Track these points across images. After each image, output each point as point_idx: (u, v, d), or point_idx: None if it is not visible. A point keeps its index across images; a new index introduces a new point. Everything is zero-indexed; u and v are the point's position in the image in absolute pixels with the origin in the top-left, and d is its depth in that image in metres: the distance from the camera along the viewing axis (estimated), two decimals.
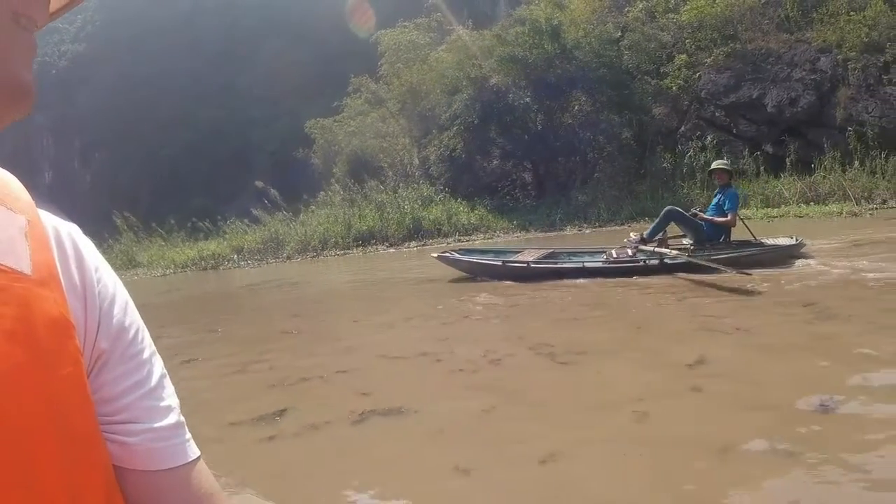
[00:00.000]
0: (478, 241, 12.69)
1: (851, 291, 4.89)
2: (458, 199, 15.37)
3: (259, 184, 16.67)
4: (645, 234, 6.97)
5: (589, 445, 2.60)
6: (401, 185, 16.25)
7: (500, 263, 7.14)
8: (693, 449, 2.44)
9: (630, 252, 6.62)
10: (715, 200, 6.88)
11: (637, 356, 3.85)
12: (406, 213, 14.42)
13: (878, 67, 13.98)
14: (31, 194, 0.48)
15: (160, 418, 0.49)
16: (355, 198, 15.98)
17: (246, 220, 17.30)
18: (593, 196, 13.92)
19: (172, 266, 16.33)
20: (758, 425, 2.58)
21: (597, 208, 13.40)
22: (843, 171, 12.44)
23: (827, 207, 10.82)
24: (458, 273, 7.45)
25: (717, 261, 5.96)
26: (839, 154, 12.55)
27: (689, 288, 5.73)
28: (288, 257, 14.44)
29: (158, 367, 0.51)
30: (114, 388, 0.48)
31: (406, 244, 13.68)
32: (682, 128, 15.72)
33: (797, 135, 14.34)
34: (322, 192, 17.12)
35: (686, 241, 6.85)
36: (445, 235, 13.83)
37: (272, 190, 16.42)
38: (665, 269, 6.33)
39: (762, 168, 13.13)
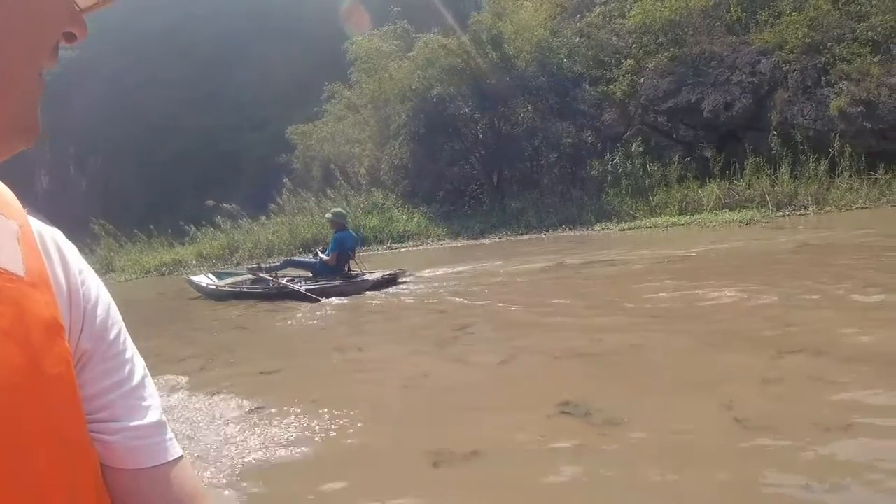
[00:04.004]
0: (404, 249, 13.08)
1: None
2: (409, 207, 15.72)
3: (210, 202, 17.21)
4: (265, 266, 8.82)
5: None
6: (352, 192, 16.69)
7: (204, 286, 8.51)
8: None
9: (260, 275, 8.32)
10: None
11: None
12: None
13: (816, 69, 13.80)
14: (28, 199, 0.50)
15: (140, 417, 0.50)
16: (307, 205, 16.50)
17: (229, 224, 17.90)
18: (525, 204, 14.16)
19: (139, 271, 17.03)
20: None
21: (526, 216, 13.64)
22: (771, 175, 12.42)
23: (729, 215, 10.96)
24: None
25: (311, 290, 7.43)
26: (762, 160, 12.53)
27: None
28: (237, 264, 15.01)
29: (140, 367, 0.53)
30: (93, 386, 0.48)
31: None
32: (627, 133, 15.80)
33: (735, 139, 14.30)
34: (276, 202, 17.65)
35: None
36: (381, 242, 14.23)
37: (224, 204, 16.96)
38: (286, 295, 7.70)
39: (691, 174, 13.17)
